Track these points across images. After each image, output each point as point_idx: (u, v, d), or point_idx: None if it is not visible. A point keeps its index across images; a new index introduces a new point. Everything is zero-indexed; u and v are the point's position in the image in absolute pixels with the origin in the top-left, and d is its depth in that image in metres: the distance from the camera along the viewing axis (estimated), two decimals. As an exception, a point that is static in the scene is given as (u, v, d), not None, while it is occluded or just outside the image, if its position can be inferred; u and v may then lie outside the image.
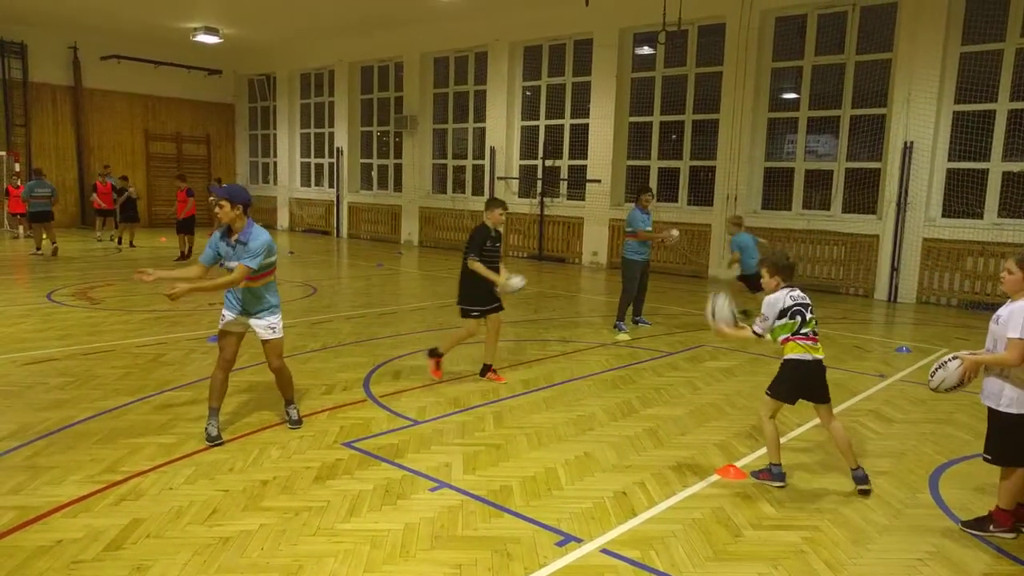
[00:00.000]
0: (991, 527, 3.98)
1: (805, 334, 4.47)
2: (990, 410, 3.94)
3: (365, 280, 13.84)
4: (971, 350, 4.09)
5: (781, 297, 4.52)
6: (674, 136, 16.03)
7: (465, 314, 6.69)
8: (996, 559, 3.76)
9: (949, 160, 12.42)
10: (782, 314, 4.50)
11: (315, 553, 3.59)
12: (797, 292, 4.55)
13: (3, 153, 20.47)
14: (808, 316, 4.50)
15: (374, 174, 22.37)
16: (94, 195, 18.31)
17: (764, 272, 4.65)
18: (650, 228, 9.44)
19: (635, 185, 16.48)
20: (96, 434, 5.11)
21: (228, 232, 4.95)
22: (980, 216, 12.12)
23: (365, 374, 6.90)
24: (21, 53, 20.82)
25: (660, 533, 3.89)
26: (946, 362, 4.01)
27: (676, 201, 15.78)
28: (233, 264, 4.90)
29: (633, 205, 9.51)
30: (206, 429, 5.03)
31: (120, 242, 17.72)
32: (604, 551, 3.68)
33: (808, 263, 13.76)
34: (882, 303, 12.65)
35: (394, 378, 6.83)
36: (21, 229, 19.19)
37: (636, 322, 9.71)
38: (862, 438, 5.55)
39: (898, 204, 12.57)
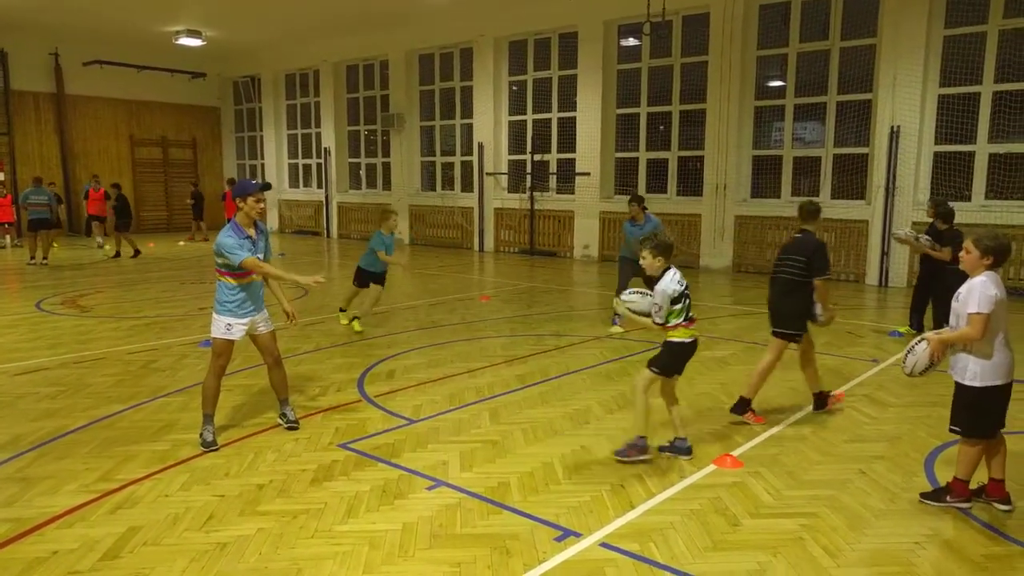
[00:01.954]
0: (948, 498, 4.12)
1: (690, 318, 4.73)
2: (956, 384, 4.05)
3: (356, 280, 13.78)
4: (936, 330, 4.17)
5: (670, 284, 4.65)
6: (661, 127, 16.04)
7: (790, 338, 5.68)
8: (993, 540, 3.78)
9: (936, 143, 12.46)
10: (674, 301, 4.66)
11: (314, 556, 3.57)
12: (679, 275, 4.73)
13: (-13, 162, 20.29)
14: (689, 300, 4.75)
15: (363, 173, 22.29)
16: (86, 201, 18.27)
17: (647, 253, 4.74)
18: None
19: (624, 177, 16.56)
20: (89, 443, 5.08)
21: (243, 227, 5.07)
22: (968, 199, 12.17)
23: (359, 374, 6.88)
24: (1, 61, 20.62)
25: (659, 525, 3.89)
26: (914, 346, 4.12)
27: (665, 192, 15.79)
28: (262, 256, 5.17)
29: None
30: (201, 435, 5.01)
31: (118, 254, 16.99)
32: (603, 544, 3.67)
33: (798, 250, 13.80)
34: (873, 288, 12.70)
35: (388, 377, 6.81)
36: (8, 239, 19.05)
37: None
38: (856, 423, 5.57)
39: (886, 189, 12.61)
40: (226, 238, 4.95)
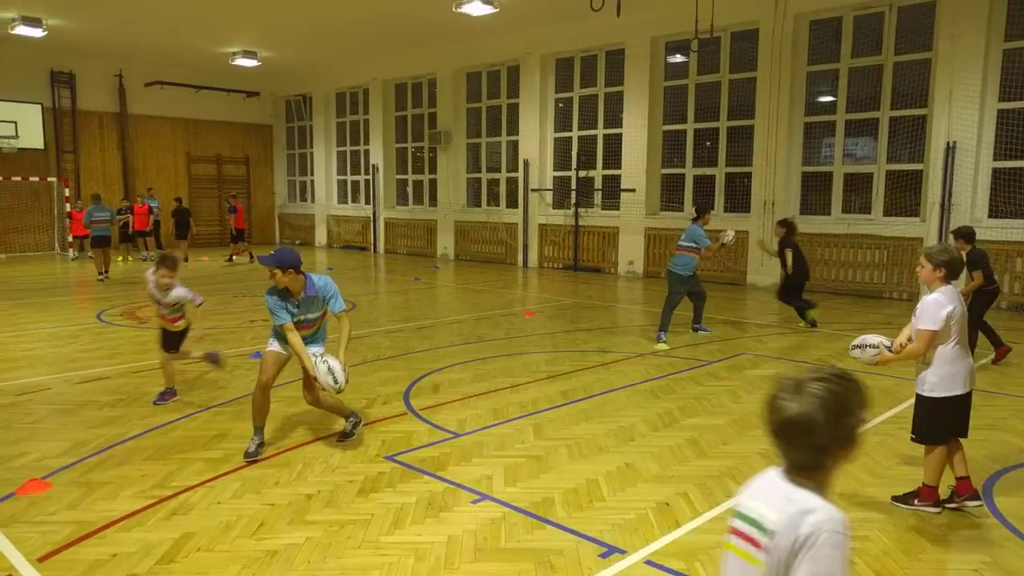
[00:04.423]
0: (915, 501, 4.31)
1: None
2: (916, 395, 4.27)
3: (403, 295, 13.98)
4: (892, 340, 4.38)
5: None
6: (708, 143, 15.93)
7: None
8: (1056, 569, 3.64)
9: (995, 159, 12.12)
10: None
11: (360, 566, 3.63)
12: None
13: (54, 179, 21.19)
14: None
15: (409, 190, 22.61)
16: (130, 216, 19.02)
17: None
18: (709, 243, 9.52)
19: (670, 193, 16.48)
20: (146, 450, 5.25)
21: (287, 293, 5.09)
22: (1029, 215, 11.80)
23: (405, 387, 6.96)
24: (70, 82, 21.58)
25: (705, 544, 3.85)
26: (865, 346, 4.35)
27: (712, 209, 15.63)
28: (314, 315, 5.21)
29: (691, 222, 9.50)
30: (247, 446, 5.14)
31: (186, 259, 18.62)
32: (648, 562, 3.65)
33: (848, 268, 13.53)
34: (928, 307, 12.35)
35: (433, 391, 6.87)
36: (71, 252, 19.87)
37: (695, 329, 9.69)
38: (910, 445, 5.42)
39: (942, 205, 12.29)
40: (268, 297, 5.13)
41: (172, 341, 6.57)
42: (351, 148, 24.14)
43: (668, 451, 5.29)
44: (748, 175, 15.02)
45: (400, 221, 22.42)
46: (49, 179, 21.14)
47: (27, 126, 20.35)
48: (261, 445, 5.16)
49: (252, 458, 5.04)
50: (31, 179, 20.65)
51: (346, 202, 24.62)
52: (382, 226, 22.80)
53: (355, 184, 24.26)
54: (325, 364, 5.03)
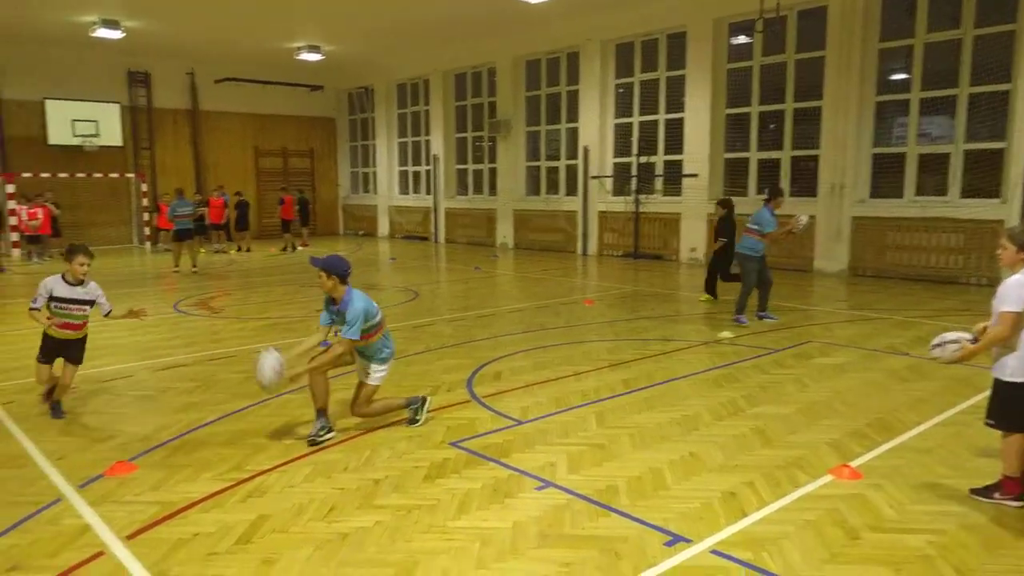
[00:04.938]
0: (996, 495, 4.13)
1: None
2: (995, 379, 4.13)
3: (463, 284, 14.11)
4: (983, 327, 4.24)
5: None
6: (772, 126, 15.53)
7: None
8: None
9: (1084, 136, 11.47)
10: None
11: (428, 550, 3.71)
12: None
13: (132, 175, 22.13)
14: None
15: (469, 179, 22.76)
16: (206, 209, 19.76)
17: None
18: (776, 228, 9.36)
19: (733, 178, 16.15)
20: (222, 435, 5.47)
21: (332, 300, 5.28)
22: (1122, 195, 11.12)
23: (467, 375, 7.05)
24: (146, 82, 22.48)
25: (772, 534, 3.80)
26: (946, 343, 4.25)
27: (782, 195, 15.22)
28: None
29: (763, 205, 9.40)
30: (310, 431, 5.30)
31: (240, 249, 20.24)
32: (714, 552, 3.63)
33: (923, 253, 13.03)
34: (1010, 293, 11.79)
35: (495, 379, 6.94)
36: (149, 244, 20.76)
37: (760, 316, 9.53)
38: (990, 436, 5.21)
39: (1025, 186, 11.70)
40: (359, 303, 5.24)
41: (74, 350, 5.93)
42: (412, 139, 24.43)
43: (733, 440, 5.22)
44: (815, 158, 14.58)
45: (460, 211, 22.61)
46: (127, 175, 22.08)
47: (107, 125, 21.33)
48: (323, 429, 5.30)
49: (316, 442, 5.20)
50: (111, 175, 21.61)
51: (407, 193, 24.95)
52: (442, 216, 23.03)
53: (416, 175, 24.55)
54: (268, 356, 5.03)
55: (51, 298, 5.71)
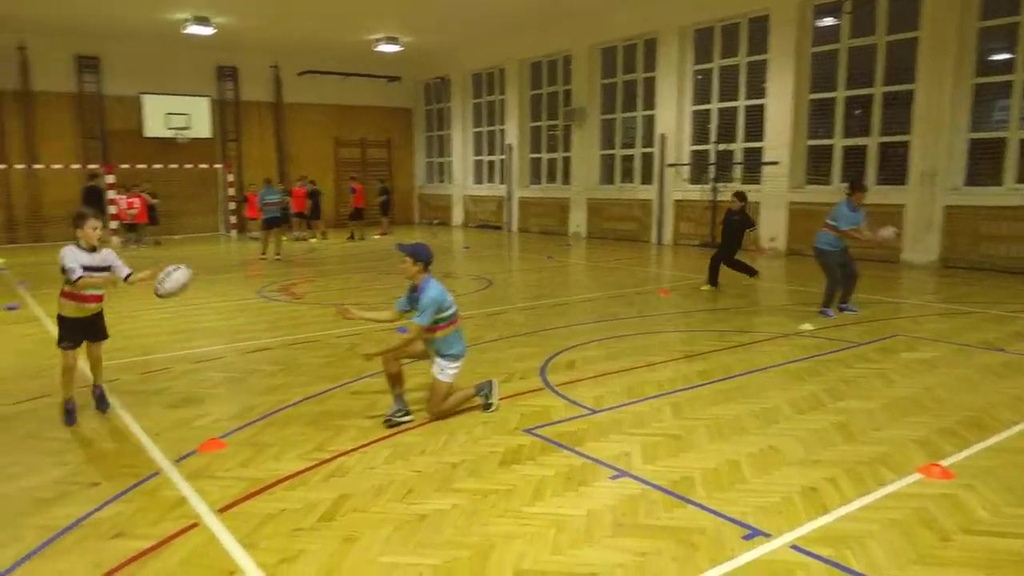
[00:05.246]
0: None
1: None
2: None
3: (536, 272, 14.15)
4: None
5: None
6: (858, 111, 14.91)
7: None
8: None
9: None
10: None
11: (504, 534, 3.77)
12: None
13: (219, 166, 23.07)
14: None
15: (543, 168, 22.75)
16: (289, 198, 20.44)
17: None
18: (859, 224, 8.93)
19: (816, 165, 15.60)
20: (305, 416, 5.67)
21: (413, 286, 5.42)
22: None
23: (541, 363, 7.09)
24: (233, 76, 23.36)
25: (855, 532, 3.69)
26: None
27: (865, 189, 14.60)
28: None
29: (844, 199, 9.00)
30: (387, 412, 5.46)
31: (317, 237, 20.95)
32: (794, 547, 3.55)
33: (1022, 243, 12.30)
34: (1121, 287, 11.04)
35: (568, 368, 6.95)
36: (234, 233, 21.64)
37: (841, 308, 9.23)
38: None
39: None
40: (433, 292, 5.35)
41: (99, 324, 5.68)
42: (487, 128, 24.58)
43: (814, 434, 5.09)
44: (905, 144, 13.94)
45: (533, 200, 22.63)
46: (215, 166, 23.03)
47: (197, 117, 22.33)
48: (400, 412, 5.44)
49: (392, 424, 5.35)
50: (200, 166, 22.59)
51: (481, 182, 25.14)
52: (515, 205, 23.11)
53: (490, 164, 24.71)
54: (175, 270, 5.39)
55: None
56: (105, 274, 5.43)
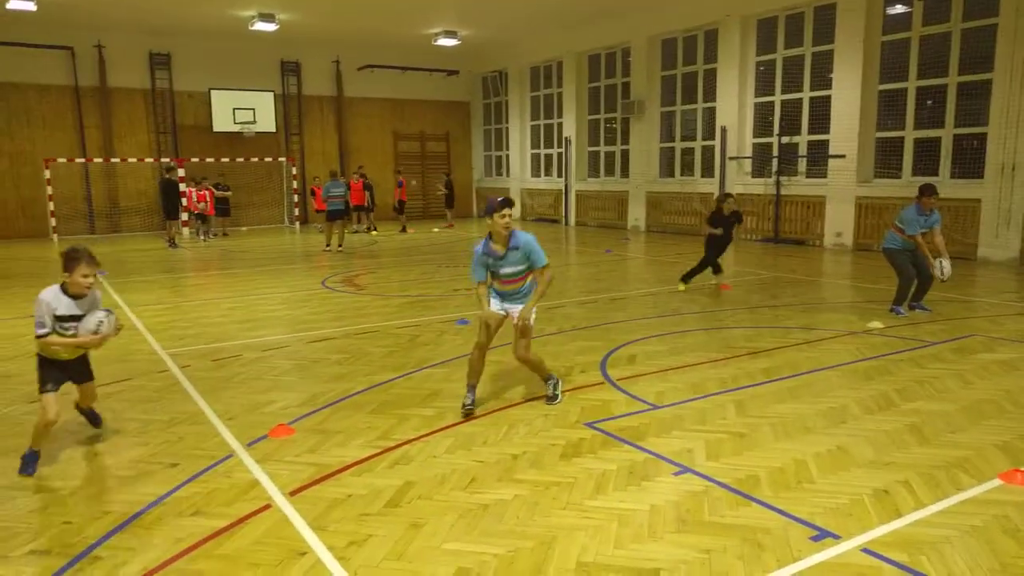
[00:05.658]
0: None
1: None
2: None
3: (594, 266, 14.08)
4: None
5: None
6: (930, 102, 14.36)
7: None
8: None
9: None
10: None
11: (566, 526, 3.78)
12: None
13: (283, 159, 23.63)
14: None
15: (600, 161, 22.60)
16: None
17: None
18: (933, 226, 8.60)
19: (885, 159, 15.10)
20: (370, 404, 5.79)
21: (492, 244, 5.39)
22: None
23: (601, 357, 7.06)
24: (296, 71, 23.88)
25: (931, 538, 3.58)
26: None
27: (937, 175, 14.12)
28: (516, 270, 5.45)
29: (914, 203, 8.63)
30: (463, 402, 5.50)
31: (370, 230, 21.40)
32: (865, 550, 3.47)
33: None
34: None
35: (629, 362, 6.91)
36: (297, 225, 22.13)
37: (913, 307, 8.93)
38: None
39: None
40: (475, 248, 5.49)
41: (85, 366, 5.02)
42: (544, 122, 24.53)
43: (885, 436, 4.94)
44: (982, 136, 13.37)
45: (591, 193, 22.51)
46: (279, 159, 23.60)
47: (263, 112, 22.90)
48: (473, 403, 5.51)
49: (469, 414, 5.41)
50: (265, 159, 23.18)
51: (539, 175, 25.12)
52: (573, 198, 23.02)
53: (548, 157, 24.66)
54: (103, 314, 4.73)
55: (55, 318, 4.60)
56: (74, 340, 4.69)
